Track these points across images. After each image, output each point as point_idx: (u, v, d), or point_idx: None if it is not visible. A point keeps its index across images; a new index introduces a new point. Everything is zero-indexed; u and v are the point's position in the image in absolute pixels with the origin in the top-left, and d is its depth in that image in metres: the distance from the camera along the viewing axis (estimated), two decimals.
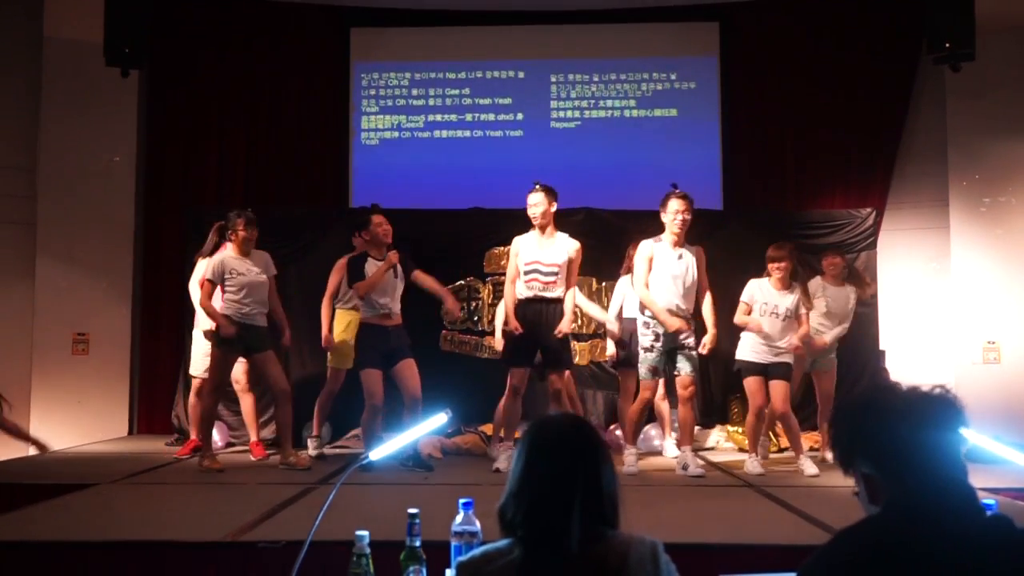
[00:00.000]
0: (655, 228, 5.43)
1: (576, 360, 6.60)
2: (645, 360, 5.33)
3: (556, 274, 5.30)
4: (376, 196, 7.37)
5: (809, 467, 5.31)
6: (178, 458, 5.94)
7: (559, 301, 5.34)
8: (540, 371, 5.46)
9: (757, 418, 5.51)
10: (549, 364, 5.36)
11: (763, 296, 5.53)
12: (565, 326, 5.28)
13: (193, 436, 6.09)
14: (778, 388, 5.44)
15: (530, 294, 5.31)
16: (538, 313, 5.28)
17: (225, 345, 5.39)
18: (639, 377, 5.41)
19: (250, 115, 8.00)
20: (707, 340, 5.33)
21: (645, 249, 5.36)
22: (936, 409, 1.43)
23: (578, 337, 6.90)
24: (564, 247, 5.36)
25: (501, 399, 5.56)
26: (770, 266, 5.52)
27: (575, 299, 5.47)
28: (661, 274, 5.30)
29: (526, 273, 5.33)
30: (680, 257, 5.30)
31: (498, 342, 5.82)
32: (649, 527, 1.69)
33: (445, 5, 8.07)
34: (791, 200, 7.84)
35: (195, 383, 6.13)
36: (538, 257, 5.32)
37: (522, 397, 5.36)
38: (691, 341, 5.30)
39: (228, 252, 5.53)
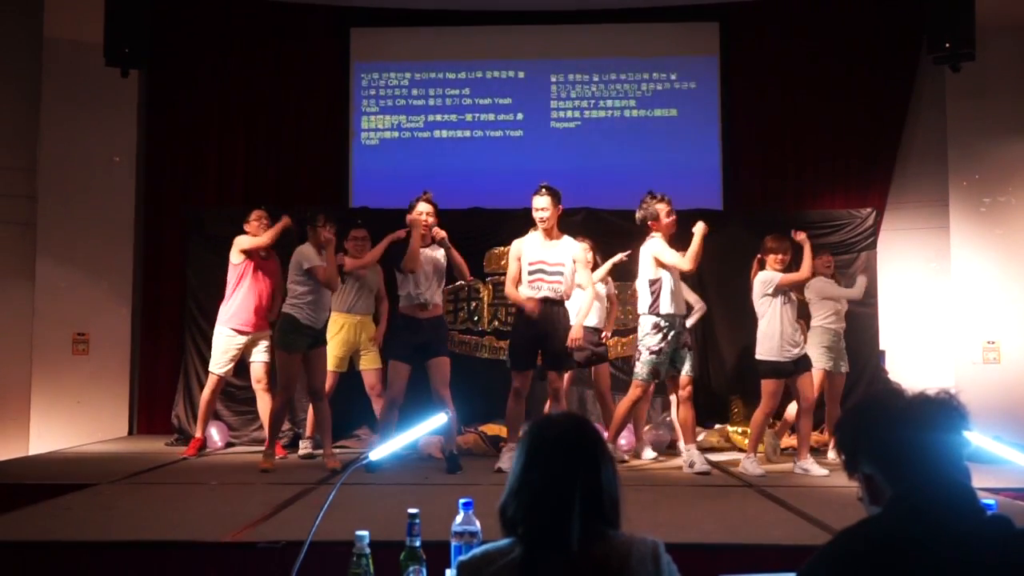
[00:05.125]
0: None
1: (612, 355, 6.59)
2: (649, 362, 5.30)
3: (561, 274, 5.25)
4: (376, 196, 7.40)
5: (817, 469, 5.31)
6: (184, 458, 5.93)
7: (563, 302, 5.32)
8: (541, 371, 5.41)
9: (766, 419, 5.50)
10: (550, 364, 5.31)
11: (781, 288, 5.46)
12: (575, 332, 5.21)
13: (198, 434, 6.12)
14: (808, 380, 5.46)
15: (534, 295, 5.26)
16: (543, 315, 5.22)
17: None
18: (636, 376, 5.38)
19: (250, 115, 7.99)
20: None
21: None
22: (938, 412, 1.44)
23: (620, 332, 6.90)
24: (569, 249, 5.32)
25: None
26: (771, 258, 5.44)
27: (585, 303, 5.35)
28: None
29: (530, 274, 5.27)
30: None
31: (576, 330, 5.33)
32: (649, 527, 1.70)
33: (445, 5, 8.06)
34: (791, 200, 7.84)
35: (211, 380, 6.10)
36: (543, 257, 5.27)
37: (525, 398, 5.32)
38: (687, 338, 5.50)
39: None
